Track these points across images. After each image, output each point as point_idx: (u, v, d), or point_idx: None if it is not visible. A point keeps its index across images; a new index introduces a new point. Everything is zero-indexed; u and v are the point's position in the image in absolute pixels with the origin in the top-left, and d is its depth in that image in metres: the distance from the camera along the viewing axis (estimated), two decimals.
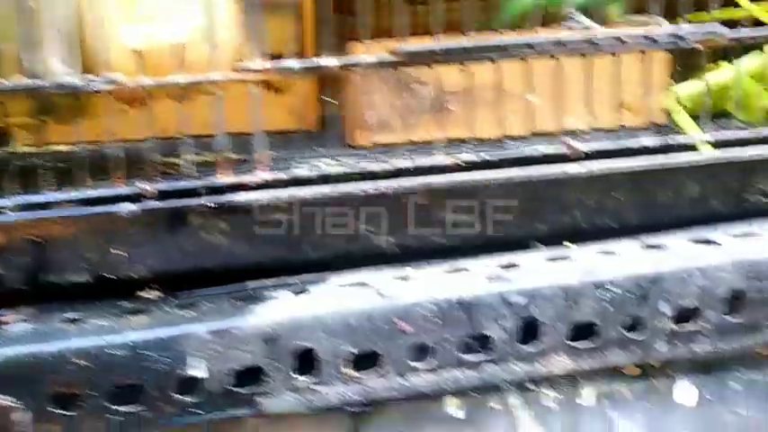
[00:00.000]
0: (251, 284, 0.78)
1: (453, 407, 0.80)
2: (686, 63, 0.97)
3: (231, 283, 0.78)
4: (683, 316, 0.78)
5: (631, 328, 0.77)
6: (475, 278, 0.76)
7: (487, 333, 0.74)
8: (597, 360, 0.77)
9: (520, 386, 0.81)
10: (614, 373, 0.83)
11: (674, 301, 0.77)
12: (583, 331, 0.76)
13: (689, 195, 0.86)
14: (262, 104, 0.80)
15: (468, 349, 0.75)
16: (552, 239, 0.84)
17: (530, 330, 0.75)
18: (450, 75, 0.91)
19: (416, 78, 0.98)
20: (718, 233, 0.84)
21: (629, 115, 1.06)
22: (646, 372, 0.84)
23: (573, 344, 0.76)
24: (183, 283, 0.78)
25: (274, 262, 0.79)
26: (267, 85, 1.17)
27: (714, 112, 0.96)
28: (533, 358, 0.76)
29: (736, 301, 0.78)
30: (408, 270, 0.79)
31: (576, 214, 0.84)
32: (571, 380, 0.82)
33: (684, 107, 1.07)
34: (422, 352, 0.74)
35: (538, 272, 0.76)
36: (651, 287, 0.76)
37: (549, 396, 0.81)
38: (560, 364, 0.76)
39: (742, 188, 0.87)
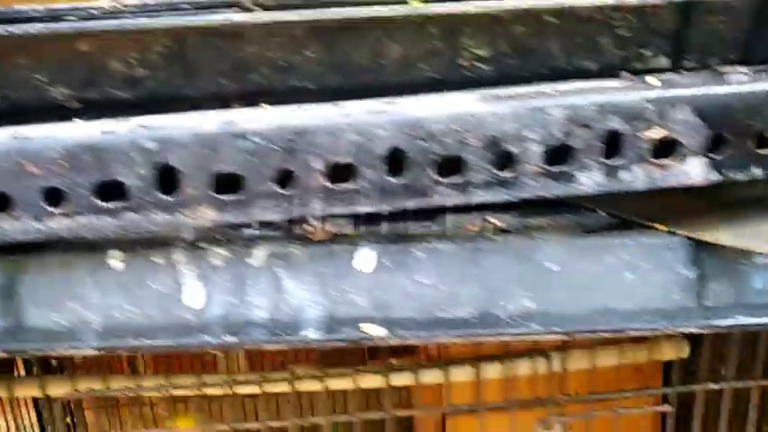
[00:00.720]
0: None
1: (114, 259, 0.79)
2: None
3: None
4: (338, 174, 0.75)
5: (282, 182, 0.75)
6: (119, 126, 0.74)
7: (121, 180, 0.73)
8: (245, 213, 0.75)
9: (189, 243, 0.80)
10: (292, 236, 0.81)
11: (326, 156, 0.74)
12: (230, 184, 0.75)
13: (391, 57, 0.82)
14: None
15: (104, 196, 0.74)
16: (246, 99, 0.81)
17: (169, 179, 0.74)
18: None
19: None
20: (410, 98, 0.80)
21: None
22: (333, 239, 0.82)
23: (218, 196, 0.74)
24: None
25: None
26: None
27: None
28: (175, 208, 0.74)
29: (396, 160, 0.75)
30: (77, 122, 0.78)
31: (265, 72, 0.81)
32: (244, 240, 0.81)
33: None
34: (55, 196, 0.73)
35: (181, 121, 0.74)
36: (297, 140, 0.73)
37: (216, 254, 0.80)
38: (206, 215, 0.75)
39: (454, 52, 0.83)
